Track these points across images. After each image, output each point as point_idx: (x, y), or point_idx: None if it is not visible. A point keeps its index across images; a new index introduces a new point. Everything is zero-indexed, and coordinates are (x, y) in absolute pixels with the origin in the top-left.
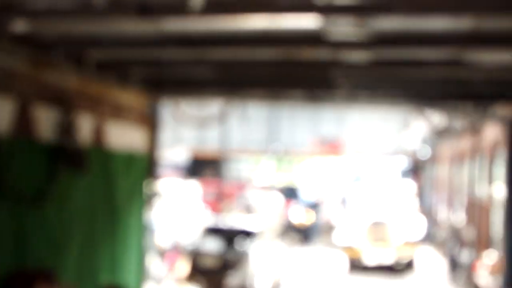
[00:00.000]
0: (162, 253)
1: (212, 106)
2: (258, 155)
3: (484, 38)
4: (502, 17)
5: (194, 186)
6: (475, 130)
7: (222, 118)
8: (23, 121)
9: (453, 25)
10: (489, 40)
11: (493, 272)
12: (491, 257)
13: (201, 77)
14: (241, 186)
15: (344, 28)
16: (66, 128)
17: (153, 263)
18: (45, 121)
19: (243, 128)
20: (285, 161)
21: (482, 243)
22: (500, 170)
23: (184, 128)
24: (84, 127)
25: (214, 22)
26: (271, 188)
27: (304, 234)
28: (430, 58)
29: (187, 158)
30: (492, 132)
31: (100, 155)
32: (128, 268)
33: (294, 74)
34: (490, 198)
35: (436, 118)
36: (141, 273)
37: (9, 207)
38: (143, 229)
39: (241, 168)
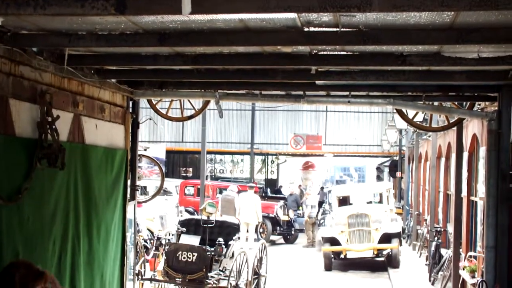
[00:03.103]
0: (142, 249)
1: (190, 103)
2: (237, 152)
3: (464, 32)
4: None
5: (174, 182)
6: (456, 126)
7: (200, 115)
8: (0, 116)
9: (433, 19)
10: (470, 34)
11: (473, 269)
12: (472, 255)
13: (179, 73)
14: (221, 183)
15: (323, 21)
16: (44, 124)
17: (133, 259)
18: (23, 117)
19: (222, 125)
20: (265, 159)
21: (463, 240)
22: (481, 167)
23: (163, 125)
24: (62, 123)
25: (191, 16)
26: (251, 184)
27: (286, 229)
28: (410, 52)
29: (165, 155)
30: (473, 128)
31: (78, 151)
32: (108, 264)
33: (271, 68)
34: (471, 195)
35: (416, 114)
36: (121, 269)
37: None
38: (123, 225)
39: (221, 165)
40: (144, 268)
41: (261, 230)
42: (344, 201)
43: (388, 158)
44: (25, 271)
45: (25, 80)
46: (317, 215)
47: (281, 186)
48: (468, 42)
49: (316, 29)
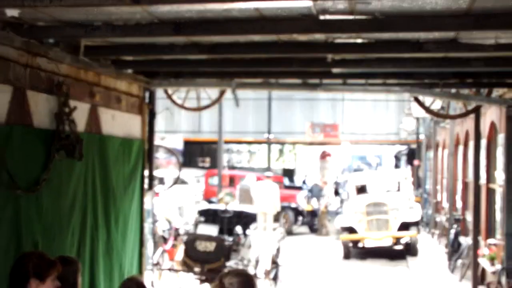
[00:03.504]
0: (160, 238)
1: (207, 93)
2: (254, 142)
3: (481, 17)
4: None
5: (192, 173)
6: (474, 113)
7: (216, 105)
8: (19, 108)
9: (449, 4)
10: (487, 20)
11: (492, 259)
12: (492, 243)
13: (195, 63)
14: (238, 172)
15: (338, 9)
16: (61, 115)
17: (151, 248)
18: (40, 108)
19: (238, 115)
20: (282, 148)
21: (482, 228)
22: (500, 154)
23: (179, 115)
24: (80, 113)
25: (207, 6)
26: (269, 174)
27: (304, 218)
28: (427, 39)
29: (182, 145)
30: (491, 115)
31: (96, 142)
32: (126, 254)
33: (287, 57)
34: (489, 183)
35: (434, 101)
36: (139, 259)
37: (6, 194)
38: (141, 215)
39: (237, 155)
40: (163, 258)
41: (284, 220)
42: (361, 189)
43: (406, 146)
44: (38, 261)
45: (42, 71)
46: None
47: (306, 176)
48: (485, 28)
49: (332, 16)
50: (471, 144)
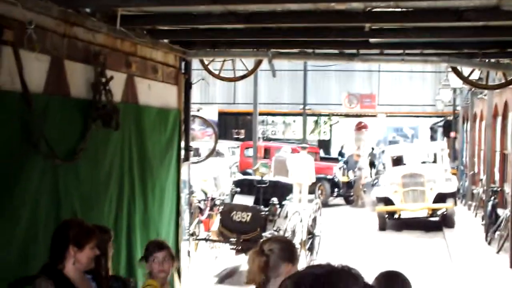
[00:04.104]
0: (196, 209)
1: (243, 63)
2: (289, 113)
3: None
4: None
5: (226, 144)
6: None
7: (252, 76)
8: (56, 78)
9: None
10: None
11: None
12: None
13: (230, 32)
14: (274, 144)
15: None
16: (98, 85)
17: (187, 219)
18: (78, 78)
19: (273, 86)
20: (317, 120)
21: None
22: None
23: (214, 86)
24: (116, 83)
25: None
26: (304, 145)
27: (339, 190)
28: (467, 6)
29: (217, 116)
30: None
31: (132, 111)
32: (163, 224)
33: (325, 26)
34: None
35: (472, 72)
36: (176, 229)
37: (45, 164)
38: (177, 185)
39: (272, 126)
40: (199, 228)
41: (320, 192)
42: (398, 161)
43: (442, 118)
44: (78, 229)
45: (79, 41)
46: (371, 175)
47: (342, 147)
48: None
49: None
50: (510, 115)
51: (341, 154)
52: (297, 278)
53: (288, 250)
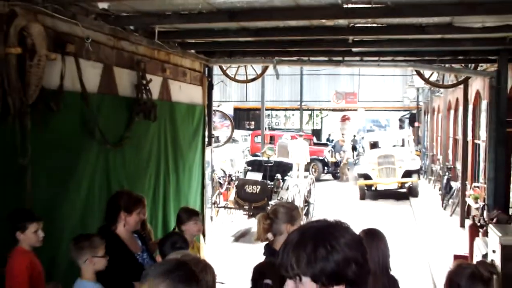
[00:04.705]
0: (217, 183)
1: (253, 68)
2: (289, 108)
3: (472, 5)
4: None
5: (240, 133)
6: (463, 84)
7: (260, 78)
8: (107, 81)
9: None
10: (476, 8)
11: (476, 198)
12: (476, 186)
13: (243, 44)
14: (277, 132)
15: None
16: (140, 86)
17: (210, 191)
18: (124, 80)
19: (277, 87)
20: (311, 113)
21: (468, 174)
22: (483, 117)
23: (230, 87)
24: (154, 85)
25: None
26: (301, 133)
27: (329, 168)
28: (428, 23)
29: (233, 111)
30: (476, 85)
31: (167, 107)
32: (191, 195)
33: (317, 39)
34: (475, 139)
35: (432, 74)
36: (201, 199)
37: (99, 148)
38: (202, 165)
39: (276, 119)
40: (219, 198)
41: (313, 170)
42: (374, 145)
43: (408, 112)
44: (127, 198)
45: (125, 52)
46: (353, 157)
47: (329, 135)
48: (474, 14)
49: (353, 5)
50: (460, 109)
51: (329, 140)
52: (302, 230)
53: (288, 214)
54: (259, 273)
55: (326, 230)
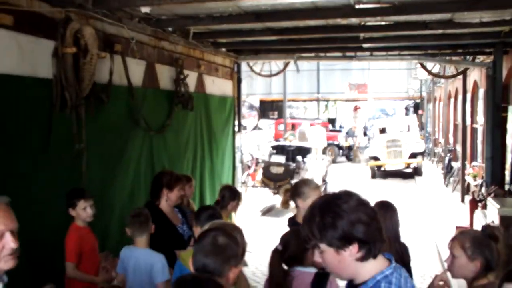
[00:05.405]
0: (246, 165)
1: (276, 64)
2: (308, 100)
3: (471, 2)
4: None
5: (265, 122)
6: (462, 74)
7: (282, 73)
8: (150, 76)
9: None
10: (476, 4)
11: (475, 176)
12: (474, 165)
13: (268, 42)
14: (297, 121)
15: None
16: (178, 80)
17: (240, 172)
18: (164, 76)
19: (297, 81)
20: (327, 104)
21: (467, 155)
22: (480, 104)
23: (256, 81)
24: (190, 79)
25: (278, 0)
26: (318, 121)
27: (343, 151)
28: (431, 20)
29: (258, 103)
30: (474, 76)
31: (202, 98)
32: (223, 175)
33: (332, 37)
34: (473, 123)
35: (434, 66)
36: (233, 179)
37: (144, 135)
38: (233, 149)
39: (296, 109)
40: (248, 178)
41: (330, 153)
42: (383, 130)
43: (413, 101)
44: (169, 176)
45: (165, 51)
46: (364, 141)
47: (341, 123)
48: (473, 10)
49: (364, 5)
50: (460, 97)
51: (341, 127)
52: (312, 205)
53: (297, 189)
54: (284, 241)
55: (330, 201)
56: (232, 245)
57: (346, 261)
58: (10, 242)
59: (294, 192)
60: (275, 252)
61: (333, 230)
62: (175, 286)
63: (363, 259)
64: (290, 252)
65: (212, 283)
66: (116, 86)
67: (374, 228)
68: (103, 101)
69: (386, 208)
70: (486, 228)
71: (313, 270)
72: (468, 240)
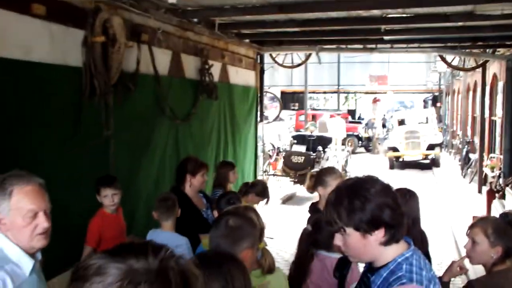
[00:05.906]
0: (267, 155)
1: (298, 56)
2: (328, 91)
3: None
4: None
5: (286, 113)
6: (481, 67)
7: (303, 64)
8: (176, 66)
9: None
10: None
11: (493, 167)
12: (492, 157)
13: (290, 34)
14: (318, 112)
15: None
16: (203, 70)
17: (261, 161)
18: (190, 66)
19: (317, 72)
20: (347, 96)
21: (485, 147)
22: (499, 97)
23: (278, 72)
24: (215, 69)
25: None
26: (338, 113)
27: (362, 142)
28: (451, 12)
29: (280, 94)
30: (493, 69)
31: (226, 88)
32: (246, 163)
33: (353, 29)
34: (491, 116)
35: (453, 59)
36: (254, 168)
37: (169, 123)
38: (255, 138)
39: (317, 100)
40: (269, 167)
41: (349, 144)
42: (401, 122)
43: (431, 94)
44: (194, 162)
45: (190, 41)
46: (383, 132)
47: (360, 114)
48: (495, 2)
49: None
50: (479, 90)
51: (360, 118)
52: (337, 189)
53: (320, 177)
54: (315, 223)
55: (357, 185)
56: (245, 226)
57: (372, 245)
58: (43, 222)
59: (317, 180)
60: (304, 232)
61: (362, 214)
62: (196, 260)
63: (387, 243)
64: (319, 235)
65: (231, 258)
66: (143, 75)
67: (400, 214)
68: (130, 89)
69: (406, 194)
70: (506, 215)
71: (337, 255)
72: (490, 227)
